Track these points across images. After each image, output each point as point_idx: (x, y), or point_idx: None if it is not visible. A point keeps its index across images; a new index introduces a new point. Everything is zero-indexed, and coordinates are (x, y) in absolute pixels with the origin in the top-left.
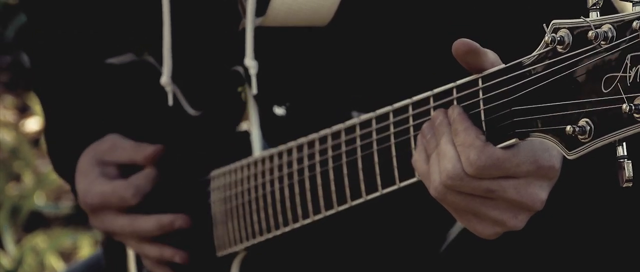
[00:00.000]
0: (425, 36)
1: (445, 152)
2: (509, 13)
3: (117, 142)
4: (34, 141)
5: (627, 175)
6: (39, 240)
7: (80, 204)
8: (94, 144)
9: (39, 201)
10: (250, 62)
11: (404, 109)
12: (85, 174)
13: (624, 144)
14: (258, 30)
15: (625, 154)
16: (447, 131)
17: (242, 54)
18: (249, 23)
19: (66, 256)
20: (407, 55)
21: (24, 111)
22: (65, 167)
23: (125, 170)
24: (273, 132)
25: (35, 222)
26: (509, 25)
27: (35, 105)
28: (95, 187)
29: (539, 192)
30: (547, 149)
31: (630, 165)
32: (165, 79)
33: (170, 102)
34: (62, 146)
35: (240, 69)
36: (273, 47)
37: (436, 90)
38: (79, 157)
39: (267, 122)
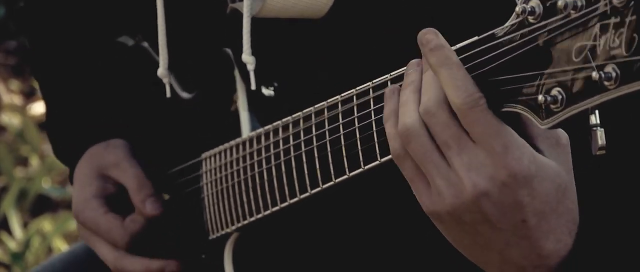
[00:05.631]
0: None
1: (429, 82)
2: None
3: (122, 162)
4: (41, 124)
5: (599, 143)
6: (46, 224)
7: (73, 211)
8: (98, 148)
9: (46, 184)
10: (248, 58)
11: (385, 84)
12: (83, 185)
13: (597, 112)
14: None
15: (598, 122)
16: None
17: (230, 38)
18: (246, 18)
19: (73, 239)
20: (401, 48)
21: (30, 95)
22: (66, 153)
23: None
24: (261, 113)
25: (41, 205)
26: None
27: None
28: (90, 212)
29: (481, 182)
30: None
31: (603, 133)
32: (161, 70)
33: (168, 94)
34: (63, 131)
35: (228, 50)
36: (264, 34)
37: (413, 62)
38: (79, 145)
39: (256, 103)
